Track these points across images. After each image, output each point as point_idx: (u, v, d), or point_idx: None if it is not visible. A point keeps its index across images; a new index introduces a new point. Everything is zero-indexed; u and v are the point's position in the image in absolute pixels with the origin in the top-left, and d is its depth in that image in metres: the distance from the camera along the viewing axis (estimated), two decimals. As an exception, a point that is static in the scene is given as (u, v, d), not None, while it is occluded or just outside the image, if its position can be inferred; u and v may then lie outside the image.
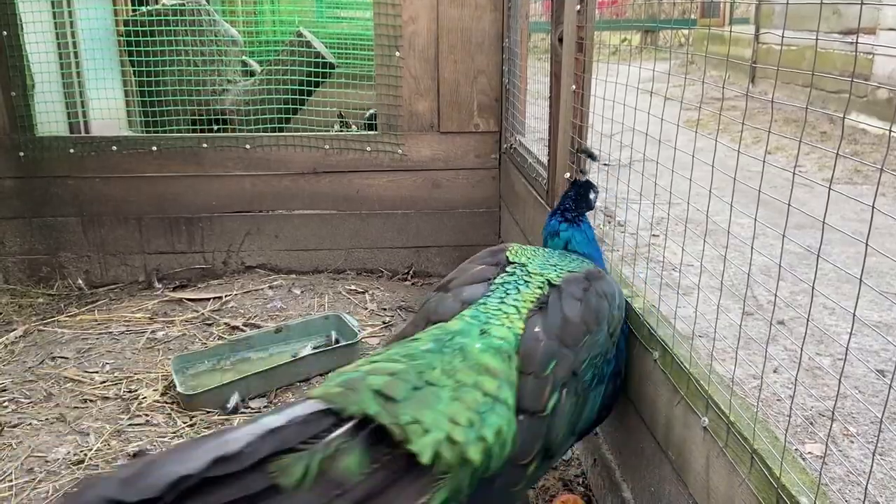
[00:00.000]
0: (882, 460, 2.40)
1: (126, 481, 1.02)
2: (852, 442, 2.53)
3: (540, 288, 1.71)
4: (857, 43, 7.15)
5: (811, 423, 2.62)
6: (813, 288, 1.18)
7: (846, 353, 1.20)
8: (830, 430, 2.64)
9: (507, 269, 1.81)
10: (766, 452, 1.23)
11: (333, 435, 1.20)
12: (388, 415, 1.26)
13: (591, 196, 2.14)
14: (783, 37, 1.37)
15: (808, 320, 1.23)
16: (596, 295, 1.71)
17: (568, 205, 2.11)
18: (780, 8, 9.27)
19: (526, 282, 1.74)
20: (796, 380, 1.26)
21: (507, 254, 1.88)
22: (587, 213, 2.14)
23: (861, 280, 1.06)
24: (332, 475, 1.16)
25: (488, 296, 1.70)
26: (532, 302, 1.66)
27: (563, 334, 1.59)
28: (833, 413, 2.22)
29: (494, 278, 1.78)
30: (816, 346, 3.19)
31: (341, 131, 4.19)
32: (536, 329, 1.58)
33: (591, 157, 2.25)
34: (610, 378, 1.76)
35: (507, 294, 1.70)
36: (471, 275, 1.81)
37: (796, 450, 2.41)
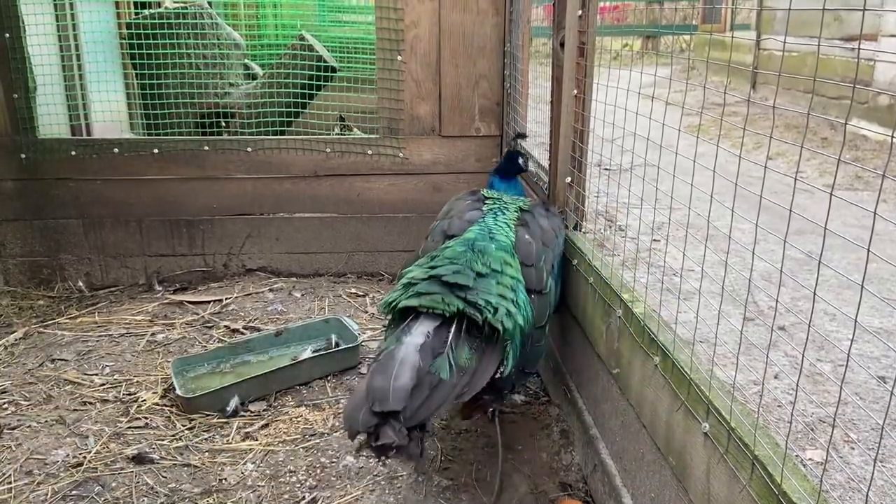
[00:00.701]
0: (883, 467, 2.39)
1: (377, 398, 1.64)
2: (853, 448, 2.52)
3: (516, 212, 2.38)
4: (858, 49, 7.16)
5: (812, 430, 2.61)
6: (814, 294, 1.18)
7: (847, 360, 1.20)
8: (831, 436, 2.63)
9: (487, 202, 2.46)
10: (766, 459, 1.22)
11: (450, 339, 1.80)
12: (469, 306, 1.84)
13: (520, 161, 2.91)
14: (784, 43, 1.37)
15: (809, 326, 1.23)
16: (553, 214, 2.46)
17: (501, 166, 2.93)
18: (782, 14, 9.28)
19: (507, 207, 2.41)
20: (797, 386, 1.26)
21: (483, 193, 2.55)
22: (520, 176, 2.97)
23: (862, 286, 1.06)
24: (458, 365, 1.78)
25: (484, 217, 2.33)
26: (514, 220, 2.32)
27: (545, 239, 2.27)
28: (834, 419, 2.21)
29: (483, 207, 2.42)
30: (817, 352, 3.19)
31: (342, 134, 4.19)
32: (526, 237, 2.23)
33: (521, 136, 3.17)
34: (560, 275, 2.41)
35: (497, 215, 2.34)
36: (465, 205, 2.45)
37: (797, 456, 2.40)
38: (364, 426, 1.62)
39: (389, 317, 2.03)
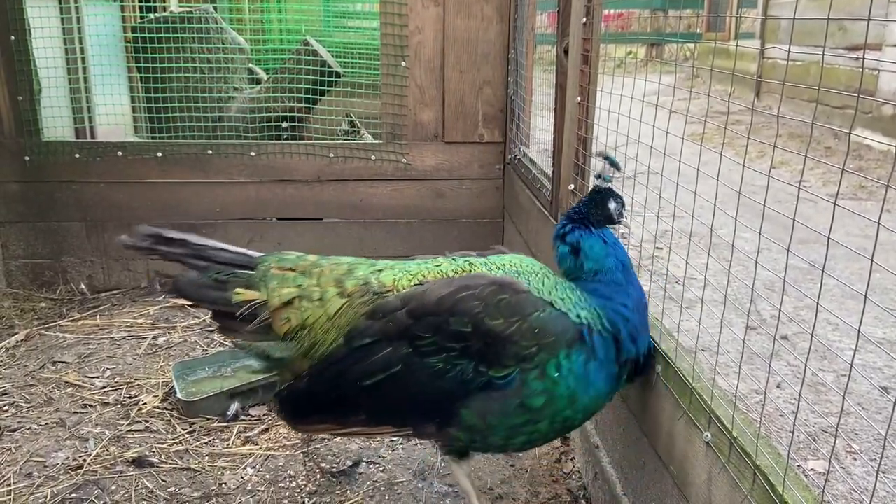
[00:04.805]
0: (885, 478, 2.38)
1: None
2: (855, 459, 2.51)
3: (454, 271, 1.83)
4: (863, 59, 7.16)
5: (814, 440, 2.60)
6: (817, 303, 1.17)
7: (850, 370, 1.19)
8: (834, 446, 2.62)
9: (471, 253, 1.96)
10: (768, 469, 1.22)
11: None
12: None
13: (612, 206, 1.83)
14: (789, 52, 1.37)
15: (811, 336, 1.22)
16: (473, 294, 1.70)
17: (579, 209, 1.85)
18: (786, 23, 9.29)
19: (452, 262, 1.87)
20: (800, 395, 1.25)
21: (499, 248, 1.99)
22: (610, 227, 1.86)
23: (866, 296, 1.06)
24: None
25: (425, 260, 1.92)
26: (432, 276, 1.82)
27: (411, 302, 1.73)
28: (836, 430, 2.20)
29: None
30: (820, 361, 3.18)
31: (350, 132, 4.19)
32: (403, 291, 1.80)
33: (615, 165, 1.85)
34: (491, 392, 1.70)
35: (426, 263, 1.89)
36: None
37: (799, 466, 2.39)
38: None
39: None
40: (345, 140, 4.14)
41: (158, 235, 2.10)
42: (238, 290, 1.91)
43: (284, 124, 4.02)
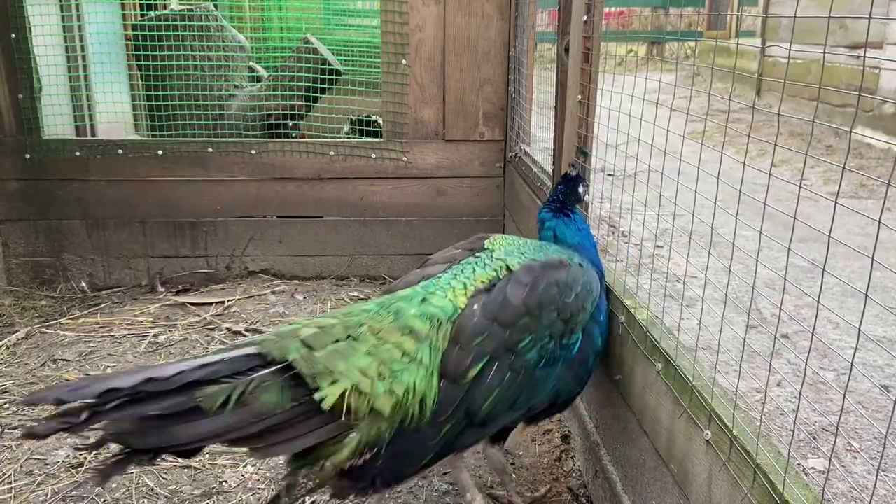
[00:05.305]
0: (886, 477, 2.38)
1: (71, 389, 1.30)
2: (856, 458, 2.51)
3: (496, 272, 1.84)
4: (864, 57, 7.15)
5: (814, 438, 2.60)
6: (818, 302, 1.17)
7: (850, 368, 1.19)
8: (834, 445, 2.62)
9: (477, 253, 1.95)
10: (768, 467, 1.22)
11: (257, 375, 1.45)
12: (304, 362, 1.49)
13: (580, 189, 2.21)
14: (790, 50, 1.37)
15: (812, 334, 1.22)
16: (547, 282, 1.80)
17: (555, 197, 2.19)
18: (787, 21, 9.28)
19: (485, 265, 1.87)
20: (800, 394, 1.25)
21: (486, 241, 2.01)
22: (578, 206, 2.23)
23: (866, 295, 1.06)
24: (253, 406, 1.42)
25: (445, 272, 1.87)
26: (483, 283, 1.80)
27: (500, 313, 1.71)
28: (837, 428, 2.20)
29: (463, 258, 1.93)
30: (820, 360, 3.18)
31: (365, 121, 4.19)
32: (475, 307, 1.72)
33: (583, 154, 2.33)
34: (567, 362, 1.84)
35: (461, 272, 1.85)
36: (443, 255, 2.00)
37: (799, 465, 2.39)
38: (48, 398, 1.34)
39: None
40: (346, 138, 4.14)
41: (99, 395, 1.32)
42: (321, 392, 1.49)
43: (290, 123, 4.03)
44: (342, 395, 1.49)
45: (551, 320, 1.77)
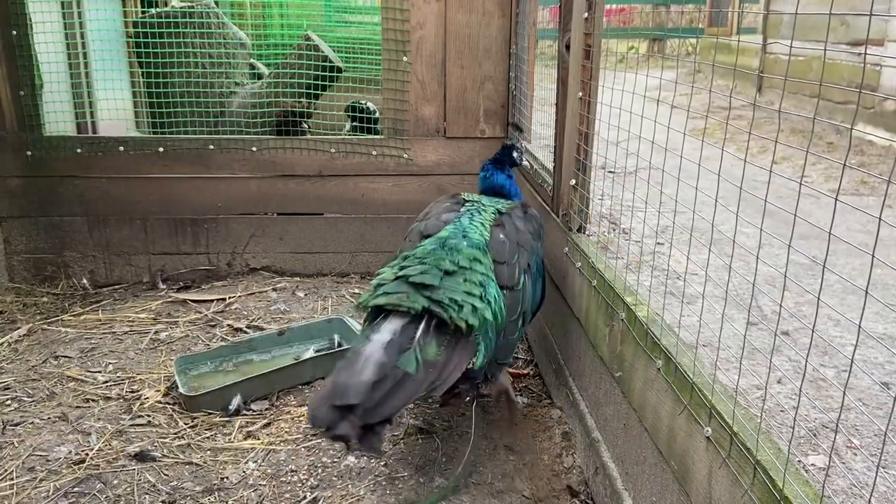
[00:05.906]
0: (886, 473, 2.38)
1: (337, 393, 1.72)
2: (856, 454, 2.52)
3: (493, 214, 2.43)
4: (865, 54, 7.14)
5: (815, 435, 2.60)
6: (818, 299, 1.17)
7: (851, 365, 1.19)
8: (834, 442, 2.62)
9: (466, 204, 2.49)
10: (769, 464, 1.22)
11: (418, 335, 1.86)
12: (434, 304, 1.90)
13: (515, 154, 2.87)
14: (791, 47, 1.37)
15: (812, 331, 1.23)
16: (531, 217, 2.50)
17: (497, 157, 2.85)
18: (788, 18, 9.27)
19: (484, 209, 2.45)
20: (800, 391, 1.26)
21: (462, 196, 2.58)
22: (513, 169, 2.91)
23: (867, 291, 1.06)
24: (426, 359, 1.83)
25: (460, 218, 2.37)
26: (490, 222, 2.37)
27: (519, 239, 2.32)
28: (837, 425, 2.21)
29: (461, 209, 2.45)
30: (821, 357, 3.18)
31: (357, 107, 4.20)
32: (500, 236, 2.29)
33: (519, 130, 3.20)
34: (541, 274, 2.48)
35: (473, 216, 2.38)
36: (443, 207, 2.48)
37: (800, 462, 2.40)
38: (324, 420, 1.70)
39: (364, 315, 2.11)
40: (348, 134, 4.14)
41: None
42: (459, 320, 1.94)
43: (293, 120, 4.03)
44: (473, 314, 1.93)
45: (539, 243, 2.45)
